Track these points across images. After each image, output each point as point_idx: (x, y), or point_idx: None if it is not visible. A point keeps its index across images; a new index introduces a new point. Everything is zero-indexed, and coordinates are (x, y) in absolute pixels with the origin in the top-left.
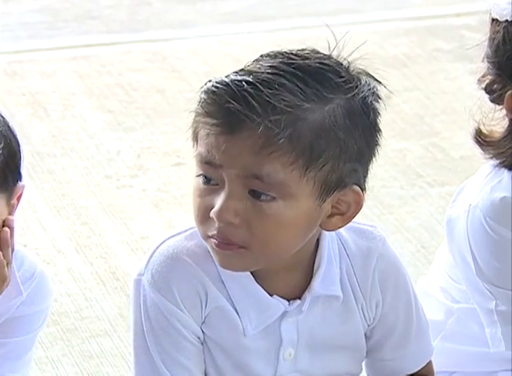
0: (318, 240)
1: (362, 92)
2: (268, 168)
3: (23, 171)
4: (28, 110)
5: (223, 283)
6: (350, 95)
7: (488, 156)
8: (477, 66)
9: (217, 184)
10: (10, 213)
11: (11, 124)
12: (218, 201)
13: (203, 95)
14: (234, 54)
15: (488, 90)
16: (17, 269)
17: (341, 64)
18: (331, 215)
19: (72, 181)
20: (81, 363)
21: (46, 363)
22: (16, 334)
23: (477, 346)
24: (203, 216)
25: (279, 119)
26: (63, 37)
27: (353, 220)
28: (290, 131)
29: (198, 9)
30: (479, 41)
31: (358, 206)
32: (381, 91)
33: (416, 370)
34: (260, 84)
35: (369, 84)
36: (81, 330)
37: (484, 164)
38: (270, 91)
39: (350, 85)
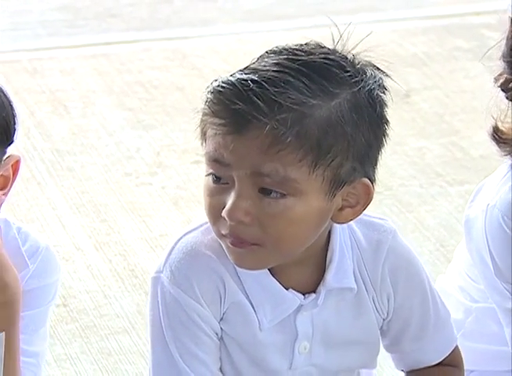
0: (329, 233)
1: (368, 84)
2: (276, 166)
3: (43, 167)
4: (48, 107)
5: (239, 277)
6: (356, 89)
7: (504, 153)
8: (494, 64)
9: (227, 183)
10: (5, 186)
11: (5, 89)
12: (229, 201)
13: (209, 95)
14: (254, 52)
15: (504, 88)
16: (22, 245)
17: (346, 58)
18: (342, 208)
19: (91, 178)
20: (99, 361)
21: (65, 360)
22: (28, 307)
23: (496, 345)
24: (215, 215)
25: (286, 117)
26: (82, 35)
27: (364, 213)
28: (297, 129)
29: (218, 7)
30: (497, 40)
31: (369, 198)
32: (400, 89)
33: (439, 360)
34: (265, 82)
35: (374, 77)
36: (99, 328)
37: (502, 164)
38: (276, 89)
39: (355, 79)
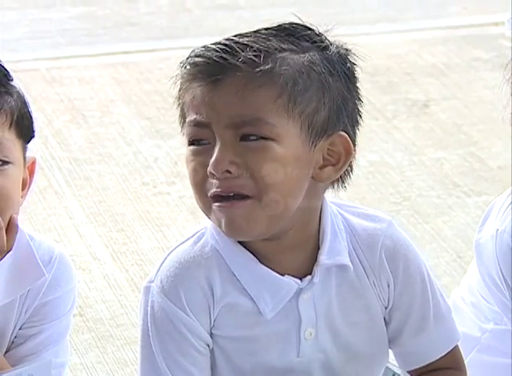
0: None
1: (337, 47)
2: (253, 110)
3: (60, 176)
4: (66, 116)
5: (233, 273)
6: (323, 45)
7: None
8: None
9: (209, 143)
10: (23, 187)
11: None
12: (213, 155)
13: (188, 60)
14: None
15: None
16: (36, 252)
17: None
18: (323, 166)
19: (109, 188)
20: (115, 371)
21: (81, 370)
22: (50, 318)
23: None
24: (201, 178)
25: (258, 55)
26: (101, 44)
27: (359, 207)
28: (270, 65)
29: (237, 16)
30: None
31: (348, 154)
32: (419, 99)
33: (440, 355)
34: (238, 37)
35: (342, 45)
36: (116, 338)
37: (510, 187)
38: (248, 39)
39: (324, 42)
